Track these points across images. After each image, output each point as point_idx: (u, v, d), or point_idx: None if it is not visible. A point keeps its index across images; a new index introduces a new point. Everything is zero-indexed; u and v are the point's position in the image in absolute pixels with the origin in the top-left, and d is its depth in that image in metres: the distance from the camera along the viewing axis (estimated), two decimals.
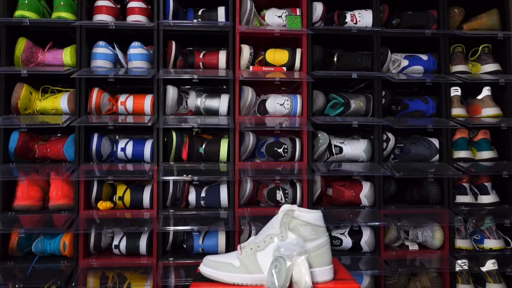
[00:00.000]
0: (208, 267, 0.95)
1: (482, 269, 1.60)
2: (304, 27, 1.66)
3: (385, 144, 1.70)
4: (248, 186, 1.61)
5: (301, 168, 1.62)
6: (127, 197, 1.60)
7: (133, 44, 1.62)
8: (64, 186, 1.57)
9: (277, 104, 1.66)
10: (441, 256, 1.67)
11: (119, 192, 1.61)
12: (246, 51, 1.65)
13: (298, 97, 1.67)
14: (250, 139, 1.64)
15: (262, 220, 1.55)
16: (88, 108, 1.61)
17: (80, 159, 1.57)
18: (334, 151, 1.68)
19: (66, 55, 1.61)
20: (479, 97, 1.77)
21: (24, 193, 1.53)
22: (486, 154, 1.74)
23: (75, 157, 1.58)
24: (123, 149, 1.64)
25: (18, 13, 1.57)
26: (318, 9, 1.69)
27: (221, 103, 1.65)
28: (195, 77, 1.59)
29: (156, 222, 1.55)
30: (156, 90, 1.61)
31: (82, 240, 1.54)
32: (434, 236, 1.66)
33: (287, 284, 0.85)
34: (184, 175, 1.52)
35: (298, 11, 1.70)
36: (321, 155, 1.70)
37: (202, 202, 1.63)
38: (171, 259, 1.56)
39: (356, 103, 1.69)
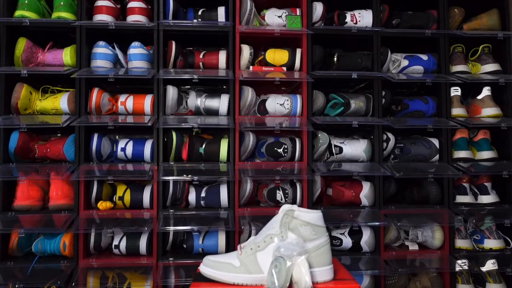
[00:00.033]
0: (208, 267, 0.95)
1: (482, 269, 1.60)
2: (304, 27, 1.66)
3: (385, 144, 1.70)
4: (248, 186, 1.61)
5: (301, 168, 1.62)
6: (127, 197, 1.60)
7: (133, 44, 1.62)
8: (64, 186, 1.57)
9: (277, 104, 1.66)
10: (441, 256, 1.67)
11: (119, 192, 1.61)
12: (246, 51, 1.65)
13: (298, 97, 1.67)
14: (250, 139, 1.64)
15: (262, 220, 1.55)
16: (88, 108, 1.61)
17: (80, 159, 1.57)
18: (334, 151, 1.68)
19: (66, 55, 1.61)
20: (479, 97, 1.77)
21: (24, 193, 1.53)
22: (486, 154, 1.74)
23: (75, 157, 1.58)
24: (123, 149, 1.64)
25: (18, 13, 1.57)
26: (318, 9, 1.69)
27: (221, 103, 1.65)
28: (195, 77, 1.59)
29: (156, 222, 1.55)
30: (156, 90, 1.61)
31: (82, 240, 1.54)
32: (434, 236, 1.66)
33: (287, 284, 0.85)
34: (184, 175, 1.52)
35: (298, 11, 1.70)
36: (321, 155, 1.70)
37: (202, 202, 1.63)
38: (171, 259, 1.56)
39: (356, 103, 1.70)
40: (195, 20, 1.69)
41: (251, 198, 1.67)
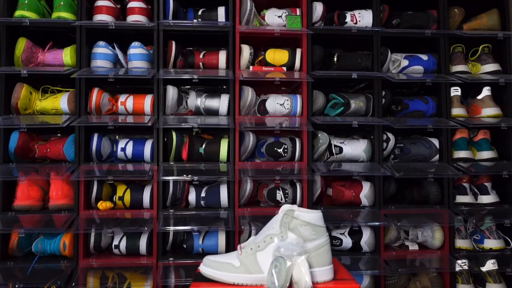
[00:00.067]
0: (208, 267, 0.95)
1: (482, 269, 1.60)
2: (304, 27, 1.66)
3: (385, 144, 1.70)
4: (248, 186, 1.61)
5: (301, 168, 1.62)
6: (127, 197, 1.60)
7: (133, 44, 1.62)
8: (64, 186, 1.57)
9: (277, 104, 1.66)
10: (441, 256, 1.67)
11: (119, 192, 1.61)
12: (246, 51, 1.65)
13: (298, 97, 1.67)
14: (250, 139, 1.64)
15: (262, 220, 1.55)
16: (88, 108, 1.61)
17: (80, 159, 1.57)
18: (334, 151, 1.68)
19: (66, 55, 1.61)
20: (479, 97, 1.77)
21: (24, 193, 1.53)
22: (486, 154, 1.74)
23: (75, 157, 1.58)
24: (123, 149, 1.64)
25: (18, 13, 1.57)
26: (318, 9, 1.69)
27: (221, 103, 1.65)
28: (195, 77, 1.59)
29: (156, 222, 1.55)
30: (156, 90, 1.61)
31: (82, 240, 1.54)
32: (434, 236, 1.66)
33: (287, 284, 0.85)
34: (184, 175, 1.52)
35: (298, 11, 1.70)
36: (321, 155, 1.70)
37: (202, 202, 1.63)
38: (171, 259, 1.56)
39: (356, 103, 1.70)
40: (195, 20, 1.69)
41: (251, 198, 1.67)
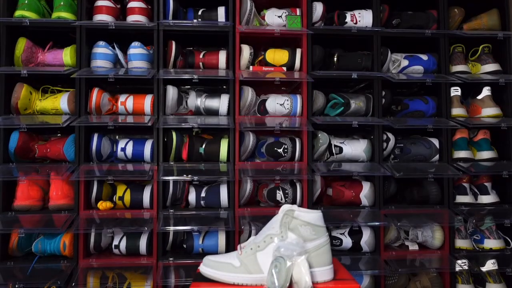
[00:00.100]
0: (208, 267, 0.95)
1: (482, 269, 1.60)
2: (304, 27, 1.66)
3: (385, 144, 1.70)
4: (248, 186, 1.61)
5: (301, 168, 1.62)
6: (127, 197, 1.60)
7: (133, 44, 1.62)
8: (64, 186, 1.57)
9: (277, 104, 1.66)
10: (441, 256, 1.67)
11: (119, 192, 1.61)
12: (246, 51, 1.65)
13: (298, 97, 1.67)
14: (250, 139, 1.64)
15: (262, 220, 1.55)
16: (88, 108, 1.61)
17: (80, 159, 1.57)
18: (334, 151, 1.68)
19: (66, 55, 1.61)
20: (479, 97, 1.77)
21: (24, 193, 1.53)
22: (486, 154, 1.74)
23: (75, 157, 1.58)
24: (123, 149, 1.64)
25: (18, 13, 1.57)
26: (318, 9, 1.69)
27: (221, 103, 1.65)
28: (195, 77, 1.59)
29: (156, 222, 1.55)
30: (156, 90, 1.61)
31: (82, 240, 1.54)
32: (434, 236, 1.66)
33: (287, 284, 0.85)
34: (184, 175, 1.52)
35: (298, 11, 1.70)
36: (321, 155, 1.70)
37: (202, 202, 1.63)
38: (171, 259, 1.56)
39: (356, 103, 1.70)
40: (195, 20, 1.69)
41: (251, 198, 1.67)
